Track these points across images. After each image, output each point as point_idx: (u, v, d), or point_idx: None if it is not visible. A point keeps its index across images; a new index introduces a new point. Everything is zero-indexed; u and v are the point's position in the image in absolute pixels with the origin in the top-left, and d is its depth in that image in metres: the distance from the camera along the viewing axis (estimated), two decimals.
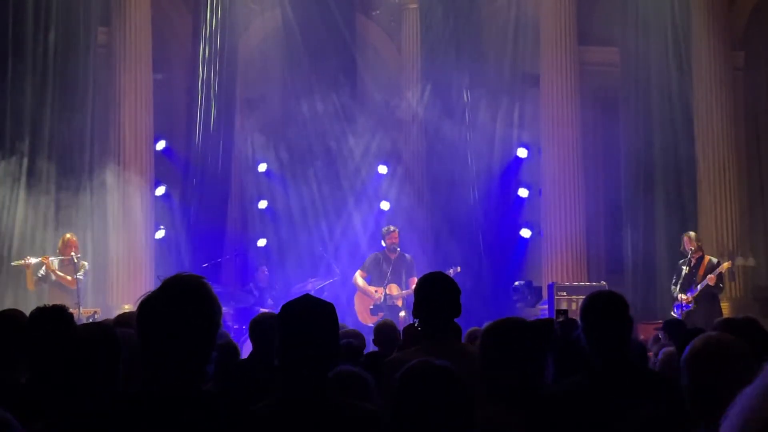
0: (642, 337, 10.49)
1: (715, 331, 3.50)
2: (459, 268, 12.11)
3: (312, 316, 2.87)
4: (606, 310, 3.69)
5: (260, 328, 4.95)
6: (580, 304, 3.87)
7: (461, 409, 2.75)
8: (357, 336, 6.33)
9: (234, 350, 5.46)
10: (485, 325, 3.69)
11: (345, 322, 8.79)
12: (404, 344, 5.73)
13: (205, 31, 14.00)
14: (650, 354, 6.59)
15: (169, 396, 2.45)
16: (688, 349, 3.10)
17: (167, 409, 2.43)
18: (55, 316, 4.08)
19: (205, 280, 2.56)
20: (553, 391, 3.63)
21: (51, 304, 4.36)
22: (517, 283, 13.65)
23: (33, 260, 10.50)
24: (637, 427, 3.18)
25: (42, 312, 4.17)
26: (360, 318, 12.00)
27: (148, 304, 2.51)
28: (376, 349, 6.41)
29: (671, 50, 13.56)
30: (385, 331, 6.61)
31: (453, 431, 2.72)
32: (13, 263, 10.84)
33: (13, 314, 4.19)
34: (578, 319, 3.78)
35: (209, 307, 2.51)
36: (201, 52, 14.02)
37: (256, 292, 12.72)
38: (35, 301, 9.33)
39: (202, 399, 2.49)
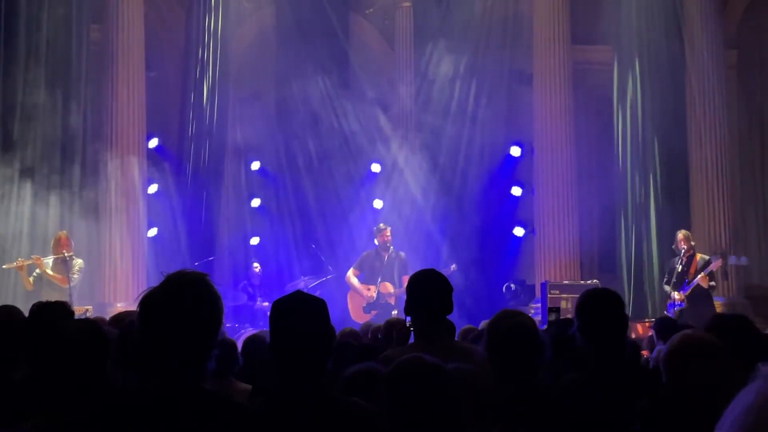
0: (634, 335, 10.54)
1: (691, 329, 3.50)
2: (455, 266, 12.13)
3: (302, 312, 2.87)
4: (602, 307, 3.70)
5: None
6: (575, 301, 3.88)
7: (450, 405, 2.75)
8: (353, 335, 6.34)
9: (232, 346, 5.45)
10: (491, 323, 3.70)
11: (337, 321, 8.79)
12: (397, 343, 5.73)
13: (199, 29, 13.96)
14: (645, 352, 6.62)
15: (168, 393, 2.45)
16: (666, 347, 3.11)
17: (166, 407, 2.42)
18: (57, 313, 4.05)
19: (208, 277, 2.55)
20: (549, 389, 3.64)
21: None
22: (509, 284, 13.64)
23: (26, 262, 10.46)
24: (633, 423, 3.19)
25: (42, 308, 4.13)
26: (353, 316, 12.00)
27: (150, 299, 2.50)
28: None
29: (665, 49, 13.58)
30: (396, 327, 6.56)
31: (443, 427, 2.73)
32: (3, 266, 10.77)
33: (9, 311, 4.14)
34: (574, 316, 3.79)
35: (211, 304, 2.51)
36: (194, 49, 13.99)
37: (250, 290, 12.70)
38: (27, 301, 9.25)
39: (200, 396, 2.48)
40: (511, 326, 3.54)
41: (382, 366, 3.91)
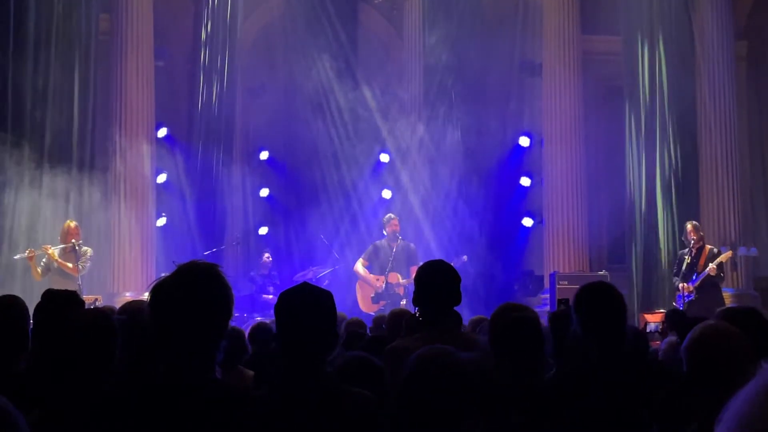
0: (644, 325, 10.51)
1: (715, 320, 3.49)
2: (466, 257, 12.11)
3: (308, 304, 2.86)
4: (598, 300, 3.71)
5: None
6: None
7: (467, 398, 2.74)
8: (360, 325, 6.34)
9: (240, 337, 5.46)
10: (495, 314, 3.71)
11: (345, 311, 8.82)
12: (406, 334, 5.71)
13: (207, 18, 13.97)
14: (656, 343, 6.60)
15: (175, 383, 2.45)
16: (688, 336, 3.09)
17: (173, 397, 2.43)
18: (67, 301, 4.05)
19: (219, 268, 2.56)
20: (550, 381, 3.64)
21: None
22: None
23: (36, 252, 10.47)
24: (637, 415, 3.17)
25: (52, 296, 4.13)
26: (361, 306, 12.01)
27: (161, 288, 2.51)
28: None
29: (674, 40, 13.51)
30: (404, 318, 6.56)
31: (455, 421, 2.72)
32: (15, 257, 10.80)
33: (12, 301, 4.14)
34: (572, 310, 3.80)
35: (222, 294, 2.52)
36: (202, 39, 13.99)
37: (258, 280, 12.71)
38: (37, 291, 9.26)
39: (207, 387, 2.48)
40: (513, 321, 3.54)
41: (389, 355, 3.92)
